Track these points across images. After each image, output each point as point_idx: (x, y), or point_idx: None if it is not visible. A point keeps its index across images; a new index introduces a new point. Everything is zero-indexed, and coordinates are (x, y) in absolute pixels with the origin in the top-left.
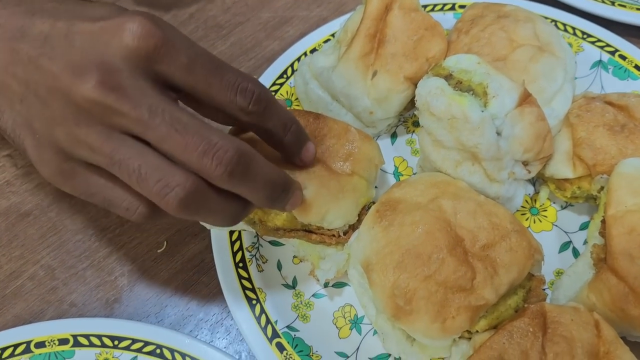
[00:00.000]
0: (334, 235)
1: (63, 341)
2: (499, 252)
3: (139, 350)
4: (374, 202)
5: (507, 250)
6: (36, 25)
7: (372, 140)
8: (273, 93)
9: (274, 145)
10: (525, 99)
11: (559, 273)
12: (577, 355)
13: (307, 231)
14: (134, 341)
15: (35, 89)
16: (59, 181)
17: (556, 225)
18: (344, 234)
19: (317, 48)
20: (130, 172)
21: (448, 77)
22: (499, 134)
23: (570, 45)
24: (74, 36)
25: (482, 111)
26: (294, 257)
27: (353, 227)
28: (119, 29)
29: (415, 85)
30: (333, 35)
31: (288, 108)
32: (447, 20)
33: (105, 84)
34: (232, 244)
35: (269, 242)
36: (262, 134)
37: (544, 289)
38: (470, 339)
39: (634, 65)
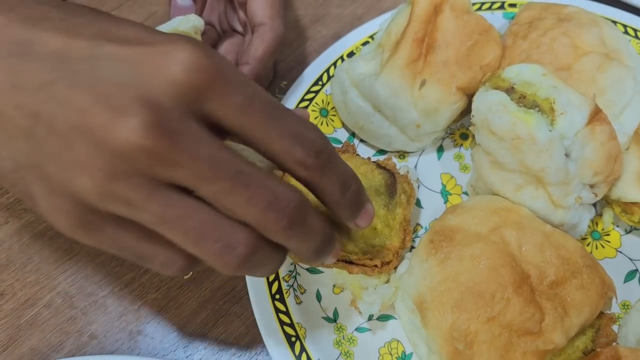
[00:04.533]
0: (375, 266)
1: None
2: (570, 291)
3: None
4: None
5: (578, 288)
6: (44, 40)
7: None
8: (307, 102)
9: (329, 205)
10: (596, 115)
11: (624, 305)
12: None
13: (347, 262)
14: None
15: (50, 124)
16: (79, 234)
17: (620, 252)
18: (387, 263)
19: (354, 51)
20: (185, 232)
21: (509, 91)
22: (567, 155)
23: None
24: (101, 62)
25: (550, 131)
26: (334, 286)
27: (392, 263)
28: (165, 58)
29: (468, 97)
30: (372, 37)
31: (323, 118)
32: (496, 20)
33: (154, 127)
34: None
35: (306, 269)
36: (316, 191)
37: (613, 327)
38: None
39: None
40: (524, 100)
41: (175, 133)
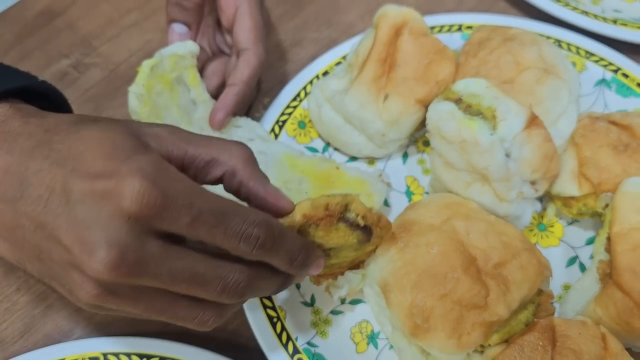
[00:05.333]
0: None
1: (93, 359)
2: (511, 270)
3: None
4: None
5: (518, 268)
6: (31, 183)
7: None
8: (287, 116)
9: (282, 270)
10: (533, 121)
11: (566, 287)
12: None
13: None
14: (162, 359)
15: (50, 256)
16: (104, 312)
17: (563, 241)
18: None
19: (329, 71)
20: (168, 319)
21: (458, 101)
22: (507, 155)
23: (574, 64)
24: (73, 203)
25: (491, 134)
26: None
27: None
28: (117, 195)
29: (426, 108)
30: (344, 57)
31: (301, 129)
32: (454, 41)
33: (117, 265)
34: None
35: None
36: (268, 264)
37: (552, 303)
38: (482, 352)
39: (636, 83)
40: (469, 109)
41: (134, 262)
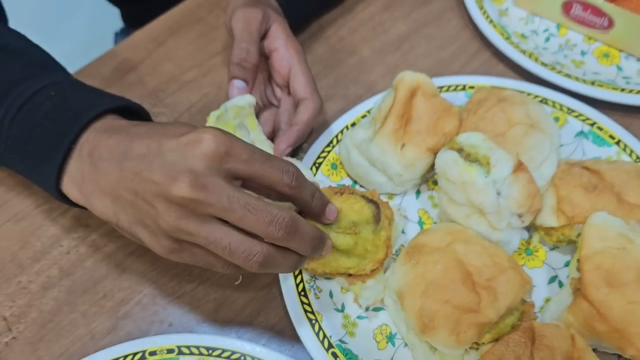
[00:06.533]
0: (366, 275)
1: (170, 350)
2: (499, 283)
3: (227, 358)
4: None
5: (505, 282)
6: (134, 148)
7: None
8: (322, 159)
9: (306, 210)
10: (519, 167)
11: (547, 300)
12: (556, 359)
13: (348, 275)
14: (224, 351)
15: (143, 196)
16: (172, 257)
17: (546, 263)
18: (371, 272)
19: (356, 122)
20: (222, 248)
21: (460, 151)
22: (499, 194)
23: (558, 118)
24: (165, 153)
25: (486, 177)
26: (342, 288)
27: (378, 268)
28: (198, 142)
29: (435, 155)
30: (368, 111)
31: (333, 170)
32: (458, 98)
33: (194, 185)
34: (295, 277)
35: (323, 277)
36: (296, 202)
37: (535, 312)
38: (477, 349)
39: (608, 135)
40: (469, 157)
41: (207, 186)
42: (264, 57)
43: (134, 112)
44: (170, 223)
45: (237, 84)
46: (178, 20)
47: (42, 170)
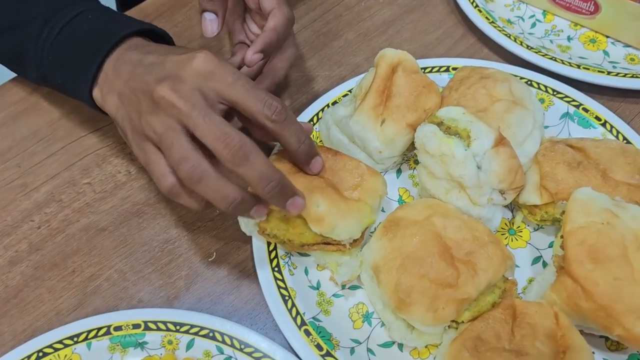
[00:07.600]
0: (344, 245)
1: (136, 326)
2: (479, 258)
3: (195, 333)
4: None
5: (484, 256)
6: (147, 58)
7: (378, 175)
8: None
9: (291, 154)
10: (500, 141)
11: (530, 281)
12: (539, 337)
13: (325, 244)
14: (192, 326)
15: (136, 93)
16: (139, 155)
17: (529, 244)
18: (350, 245)
19: (337, 101)
20: (167, 146)
21: (440, 124)
22: (479, 167)
23: (543, 100)
24: (166, 63)
25: (465, 150)
26: (318, 265)
27: (357, 241)
28: (193, 58)
29: (415, 131)
30: (350, 90)
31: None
32: (442, 79)
33: (171, 88)
34: (269, 253)
35: (298, 253)
36: (281, 141)
37: (518, 294)
38: (457, 328)
39: (594, 116)
40: (448, 130)
41: (182, 92)
42: None
43: (159, 36)
44: (146, 117)
45: (208, 16)
46: (165, 2)
47: (79, 81)
